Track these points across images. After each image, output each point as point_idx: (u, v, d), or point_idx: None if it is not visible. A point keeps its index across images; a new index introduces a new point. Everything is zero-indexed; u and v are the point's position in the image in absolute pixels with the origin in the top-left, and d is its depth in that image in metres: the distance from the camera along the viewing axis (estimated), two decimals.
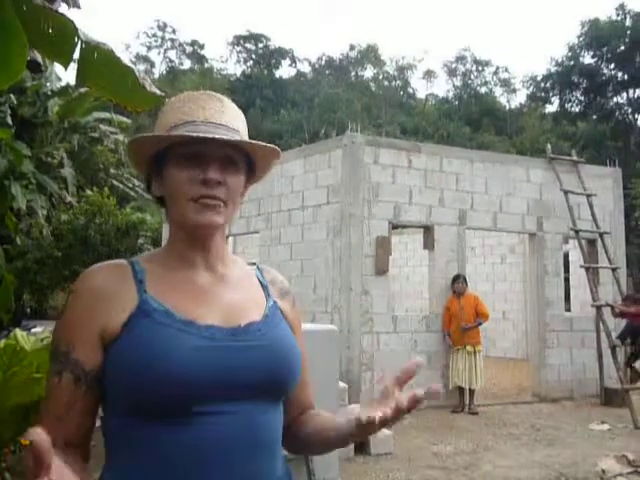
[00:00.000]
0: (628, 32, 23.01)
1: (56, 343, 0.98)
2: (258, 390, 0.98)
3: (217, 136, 0.99)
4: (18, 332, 2.74)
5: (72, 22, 2.00)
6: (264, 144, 1.06)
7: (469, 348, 7.32)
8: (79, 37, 1.97)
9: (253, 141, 1.05)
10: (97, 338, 0.96)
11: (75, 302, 0.99)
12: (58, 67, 12.84)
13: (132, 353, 0.93)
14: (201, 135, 0.98)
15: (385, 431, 5.51)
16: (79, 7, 2.37)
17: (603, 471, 4.81)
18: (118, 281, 1.00)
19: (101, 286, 0.99)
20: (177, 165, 1.01)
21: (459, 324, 7.38)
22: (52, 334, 1.02)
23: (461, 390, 7.41)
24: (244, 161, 1.06)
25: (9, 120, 10.74)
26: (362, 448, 5.28)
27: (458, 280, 7.63)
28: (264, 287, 1.12)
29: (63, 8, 2.30)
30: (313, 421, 1.10)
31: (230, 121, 1.05)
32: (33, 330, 3.28)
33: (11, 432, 2.53)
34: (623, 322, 8.66)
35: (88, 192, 13.72)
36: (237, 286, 1.08)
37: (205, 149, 1.00)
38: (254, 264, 1.19)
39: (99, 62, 2.01)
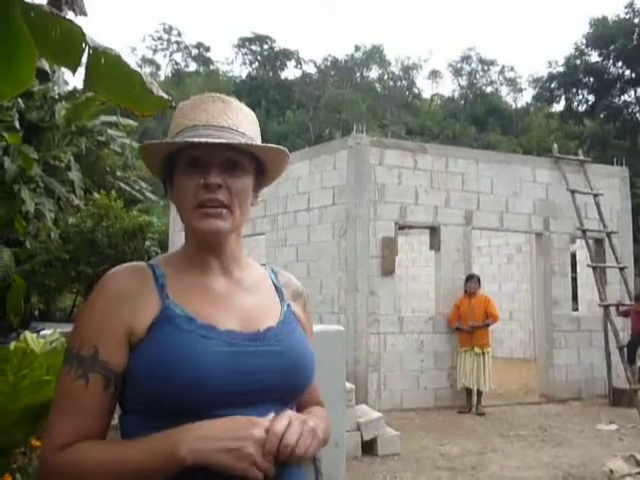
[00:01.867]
0: (636, 30, 22.86)
1: (77, 345, 0.96)
2: (274, 395, 0.99)
3: (210, 140, 0.97)
4: (28, 334, 2.77)
5: (80, 28, 2.02)
6: (266, 145, 1.04)
7: (477, 349, 7.28)
8: (87, 43, 1.99)
9: (254, 144, 1.03)
10: (124, 339, 0.96)
11: (99, 303, 0.98)
12: (65, 71, 12.93)
13: (155, 359, 0.94)
14: (195, 140, 0.97)
15: (392, 431, 5.51)
16: (86, 14, 2.40)
17: (611, 471, 4.79)
18: (140, 284, 1.00)
19: (125, 288, 0.99)
20: (182, 172, 1.02)
21: (468, 323, 7.35)
22: (70, 336, 0.99)
23: (468, 391, 7.39)
24: (251, 164, 1.05)
25: (17, 124, 10.81)
26: (369, 449, 5.29)
27: (472, 280, 7.58)
28: (278, 290, 1.13)
29: (70, 15, 2.32)
30: None
31: (235, 123, 1.03)
32: (42, 332, 3.30)
33: (22, 433, 2.55)
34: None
35: (95, 195, 13.80)
36: (253, 290, 1.08)
37: (205, 154, 0.99)
38: (264, 265, 1.19)
39: (107, 67, 2.03)
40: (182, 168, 1.02)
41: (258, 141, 1.07)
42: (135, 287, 0.99)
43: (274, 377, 0.98)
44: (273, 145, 1.05)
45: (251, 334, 1.01)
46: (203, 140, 0.97)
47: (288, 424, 0.89)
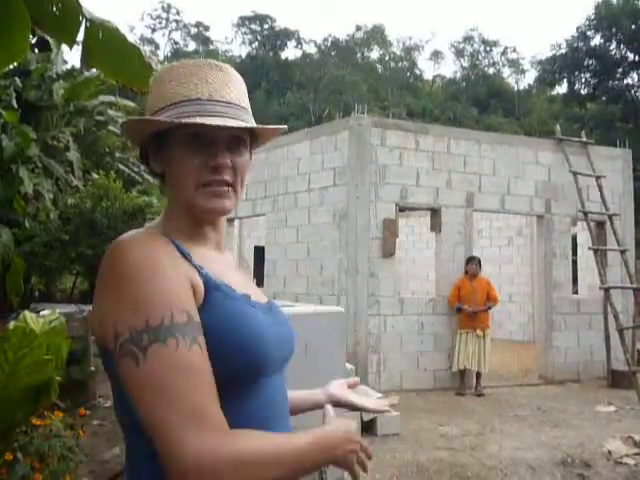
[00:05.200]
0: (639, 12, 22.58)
1: (165, 316, 0.82)
2: (287, 361, 1.07)
3: (229, 124, 0.95)
4: (27, 314, 2.76)
5: (76, 0, 1.97)
6: (277, 127, 1.05)
7: (479, 332, 7.31)
8: (84, 15, 1.94)
9: (267, 126, 1.04)
10: (192, 297, 0.88)
11: (155, 266, 0.86)
12: (64, 50, 12.77)
13: (216, 325, 0.88)
14: (212, 123, 0.93)
15: (392, 412, 5.54)
16: None
17: (609, 452, 4.83)
18: (170, 250, 0.92)
19: (164, 249, 0.90)
20: (183, 147, 0.96)
21: (470, 306, 7.35)
22: (134, 314, 0.83)
23: (463, 372, 7.41)
24: (248, 138, 1.04)
25: (14, 103, 10.71)
26: (369, 429, 5.32)
27: (473, 262, 7.57)
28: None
29: None
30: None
31: (237, 97, 1.00)
32: (42, 312, 3.29)
33: (22, 412, 2.55)
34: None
35: (94, 176, 13.72)
36: (236, 266, 1.11)
37: (211, 131, 0.95)
38: None
39: (104, 41, 1.98)
40: (182, 144, 0.96)
41: (249, 109, 1.05)
42: (170, 251, 0.91)
43: (290, 345, 1.06)
44: (281, 126, 1.06)
45: (267, 305, 1.04)
46: (222, 124, 0.93)
47: None
